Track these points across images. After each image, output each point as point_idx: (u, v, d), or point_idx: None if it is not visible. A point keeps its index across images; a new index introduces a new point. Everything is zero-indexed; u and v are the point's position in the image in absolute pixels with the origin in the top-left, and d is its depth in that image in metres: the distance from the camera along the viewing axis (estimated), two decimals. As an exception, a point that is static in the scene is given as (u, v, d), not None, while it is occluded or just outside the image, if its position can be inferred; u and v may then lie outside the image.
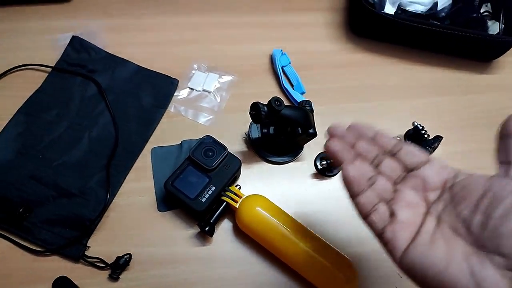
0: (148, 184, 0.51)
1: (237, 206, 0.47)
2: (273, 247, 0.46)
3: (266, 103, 0.46)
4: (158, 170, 0.52)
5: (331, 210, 0.51)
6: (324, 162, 0.53)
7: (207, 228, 0.46)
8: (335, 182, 0.54)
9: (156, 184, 0.51)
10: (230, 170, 0.49)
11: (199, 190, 0.47)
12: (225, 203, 0.48)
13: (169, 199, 0.50)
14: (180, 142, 0.54)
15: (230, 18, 0.64)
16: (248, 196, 0.48)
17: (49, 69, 0.56)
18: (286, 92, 0.58)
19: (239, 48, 0.62)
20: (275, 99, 0.45)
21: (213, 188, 0.48)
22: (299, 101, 0.56)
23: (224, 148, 0.49)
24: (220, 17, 0.64)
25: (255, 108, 0.46)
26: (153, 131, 0.54)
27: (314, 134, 0.50)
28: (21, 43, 0.58)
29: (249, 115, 0.47)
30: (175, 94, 0.57)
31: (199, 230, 0.48)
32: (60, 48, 0.58)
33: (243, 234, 0.48)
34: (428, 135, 0.55)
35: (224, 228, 0.49)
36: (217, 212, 0.48)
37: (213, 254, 0.48)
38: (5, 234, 0.46)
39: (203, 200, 0.47)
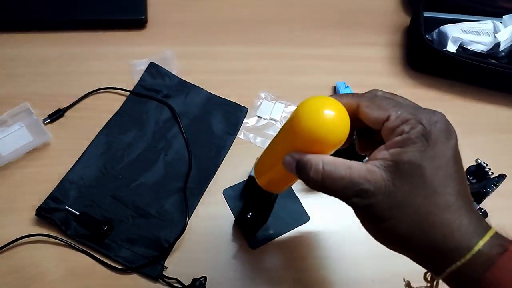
0: (219, 207, 0.53)
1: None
2: None
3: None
4: (236, 209, 0.53)
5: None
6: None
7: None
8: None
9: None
10: None
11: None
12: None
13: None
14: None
15: (295, 50, 0.67)
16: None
17: (127, 93, 0.59)
18: (350, 124, 0.60)
19: (304, 79, 0.64)
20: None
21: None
22: (363, 133, 0.58)
23: None
24: (286, 48, 0.67)
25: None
26: (224, 157, 0.56)
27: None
28: (101, 67, 0.61)
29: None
30: (244, 121, 0.59)
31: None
32: (136, 72, 0.61)
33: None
34: (492, 173, 0.56)
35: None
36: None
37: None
38: (88, 251, 0.48)
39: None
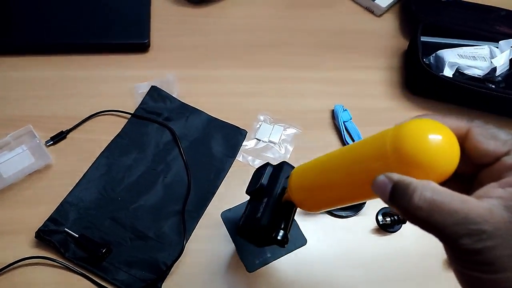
0: (217, 230, 0.53)
1: None
2: None
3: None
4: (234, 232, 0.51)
5: (391, 266, 0.52)
6: (388, 219, 0.54)
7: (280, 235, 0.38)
8: (396, 238, 0.55)
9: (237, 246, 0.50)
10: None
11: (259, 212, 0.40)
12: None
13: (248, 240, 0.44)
14: (247, 200, 0.55)
15: (294, 73, 0.68)
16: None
17: (129, 116, 0.60)
18: (348, 147, 0.61)
19: (302, 102, 0.65)
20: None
21: (265, 200, 0.40)
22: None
23: (268, 163, 0.44)
24: (285, 72, 0.68)
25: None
26: (223, 179, 0.56)
27: (380, 192, 0.51)
28: (104, 89, 0.62)
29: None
30: (243, 144, 0.60)
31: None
32: (138, 96, 0.62)
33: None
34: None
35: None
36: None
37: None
38: (86, 274, 0.48)
39: (259, 215, 0.39)
